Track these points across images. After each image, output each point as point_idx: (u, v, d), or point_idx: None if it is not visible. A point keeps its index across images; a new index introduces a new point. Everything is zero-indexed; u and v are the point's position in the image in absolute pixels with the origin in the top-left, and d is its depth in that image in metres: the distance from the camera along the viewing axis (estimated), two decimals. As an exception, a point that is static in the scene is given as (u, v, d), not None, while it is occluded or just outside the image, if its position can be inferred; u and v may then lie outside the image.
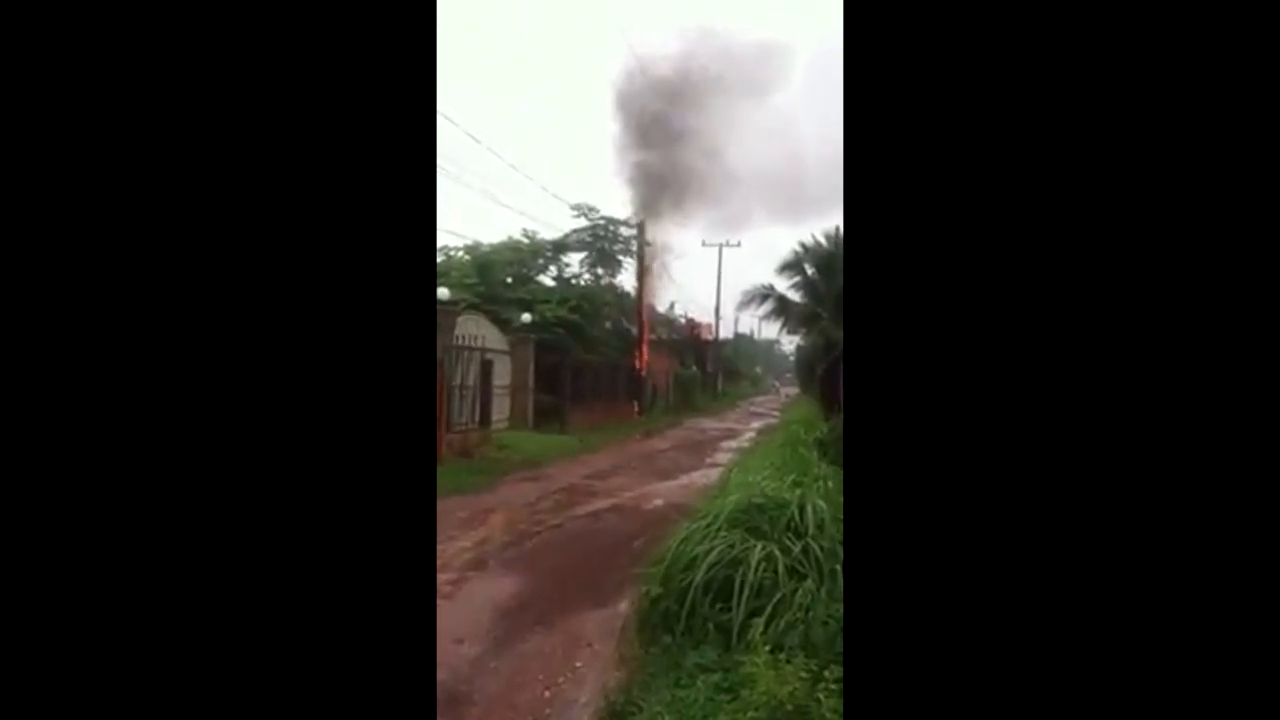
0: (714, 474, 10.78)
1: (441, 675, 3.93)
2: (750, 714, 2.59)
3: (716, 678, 3.33)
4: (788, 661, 2.84)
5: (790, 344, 23.93)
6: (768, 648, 2.97)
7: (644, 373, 22.73)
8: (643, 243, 23.26)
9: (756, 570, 3.96)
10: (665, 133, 23.52)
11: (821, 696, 2.46)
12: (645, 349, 22.95)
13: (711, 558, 4.17)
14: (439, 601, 5.22)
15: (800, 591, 3.72)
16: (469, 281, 17.42)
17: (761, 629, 3.29)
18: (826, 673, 2.66)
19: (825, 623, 3.37)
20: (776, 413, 23.93)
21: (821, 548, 4.12)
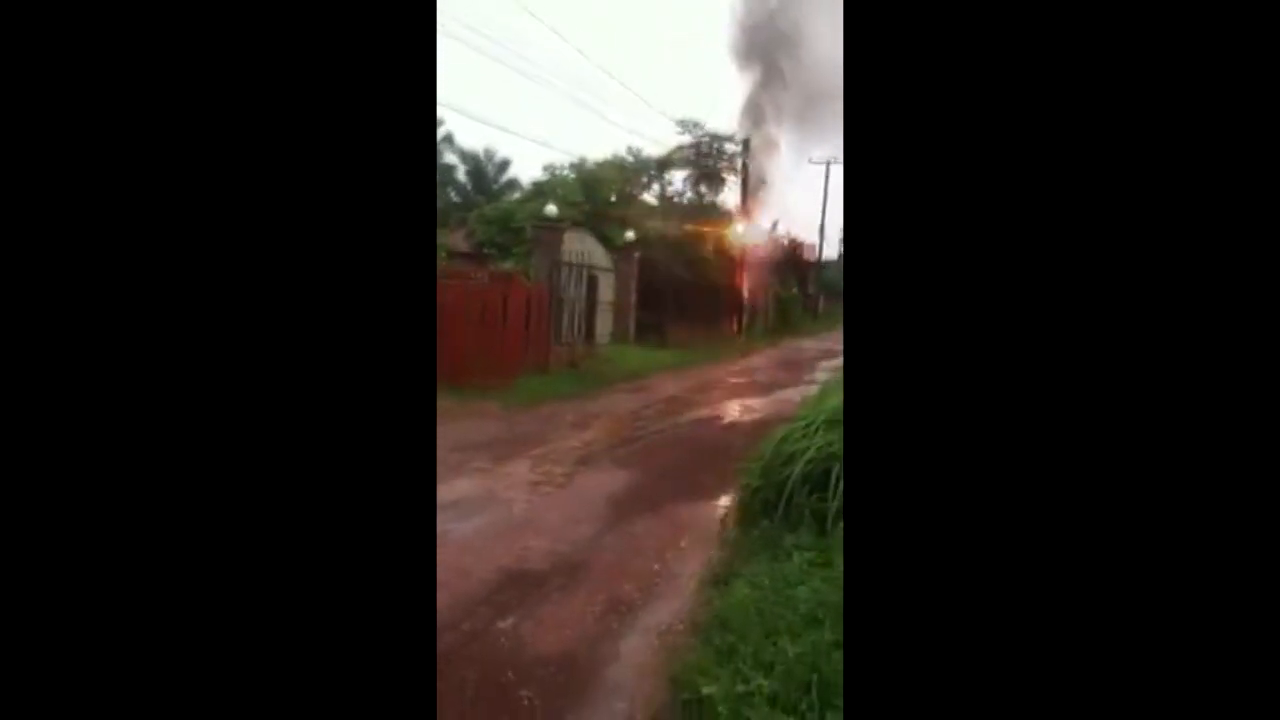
0: (810, 390, 10.97)
1: (561, 548, 4.44)
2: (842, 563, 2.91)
3: (811, 554, 3.67)
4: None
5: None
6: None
7: (744, 292, 22.78)
8: (747, 160, 23.01)
9: (852, 466, 4.23)
10: (777, 44, 22.90)
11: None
12: (747, 267, 22.94)
13: (809, 454, 4.46)
14: (554, 490, 5.75)
15: (893, 485, 3.98)
16: (574, 199, 17.75)
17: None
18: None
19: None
20: (878, 335, 23.56)
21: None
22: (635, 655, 3.16)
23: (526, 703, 2.75)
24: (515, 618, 3.45)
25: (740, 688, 2.41)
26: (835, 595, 2.91)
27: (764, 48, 23.33)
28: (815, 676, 2.40)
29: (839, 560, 3.19)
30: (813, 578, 3.30)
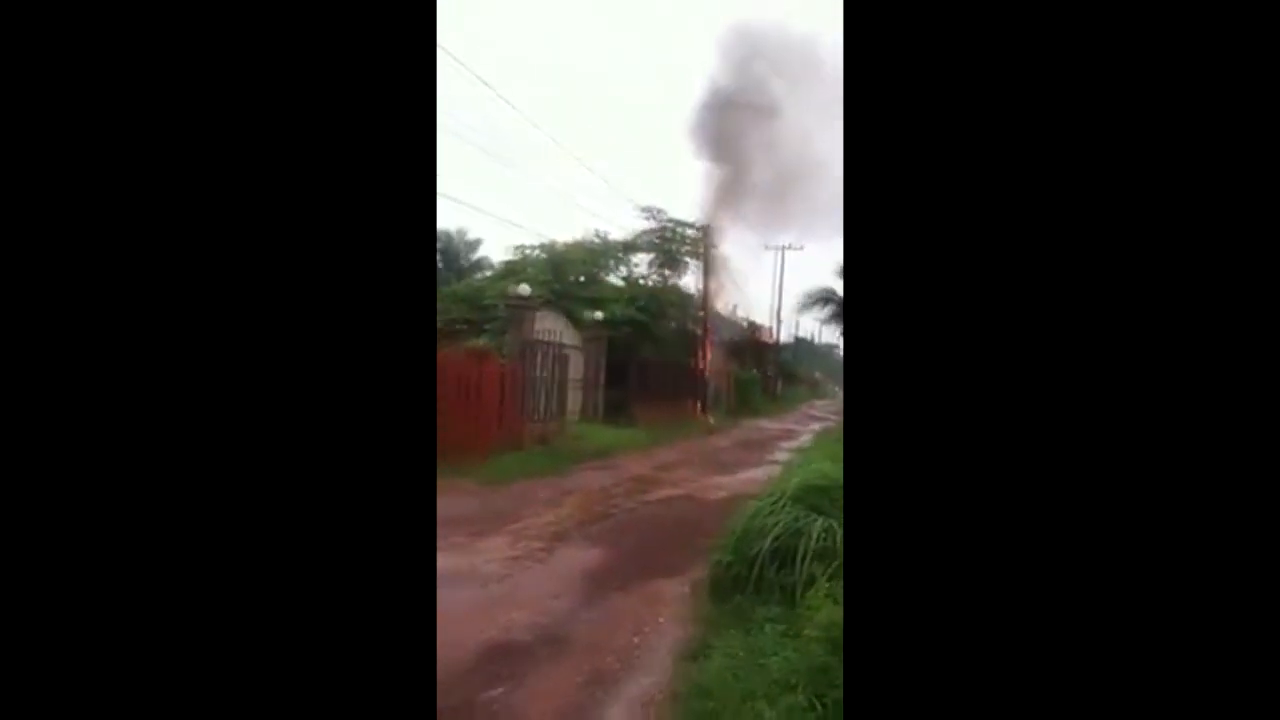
0: (773, 470, 11.29)
1: (544, 622, 4.63)
2: (812, 633, 3.19)
3: (782, 627, 3.94)
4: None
5: (850, 349, 23.91)
6: (825, 595, 3.57)
7: (706, 373, 23.29)
8: (707, 246, 23.85)
9: (818, 539, 4.54)
10: (737, 135, 24.08)
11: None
12: (708, 350, 23.51)
13: (777, 530, 4.76)
14: (533, 565, 5.94)
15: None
16: (544, 279, 18.23)
17: (823, 581, 3.88)
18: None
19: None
20: (835, 417, 24.24)
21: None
22: (620, 723, 3.37)
23: (523, 764, 2.95)
24: (504, 688, 3.64)
25: (723, 745, 2.66)
26: (805, 662, 3.18)
27: (724, 138, 24.52)
28: (791, 734, 2.66)
29: (808, 629, 3.47)
30: (784, 648, 3.57)
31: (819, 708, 2.87)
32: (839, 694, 2.94)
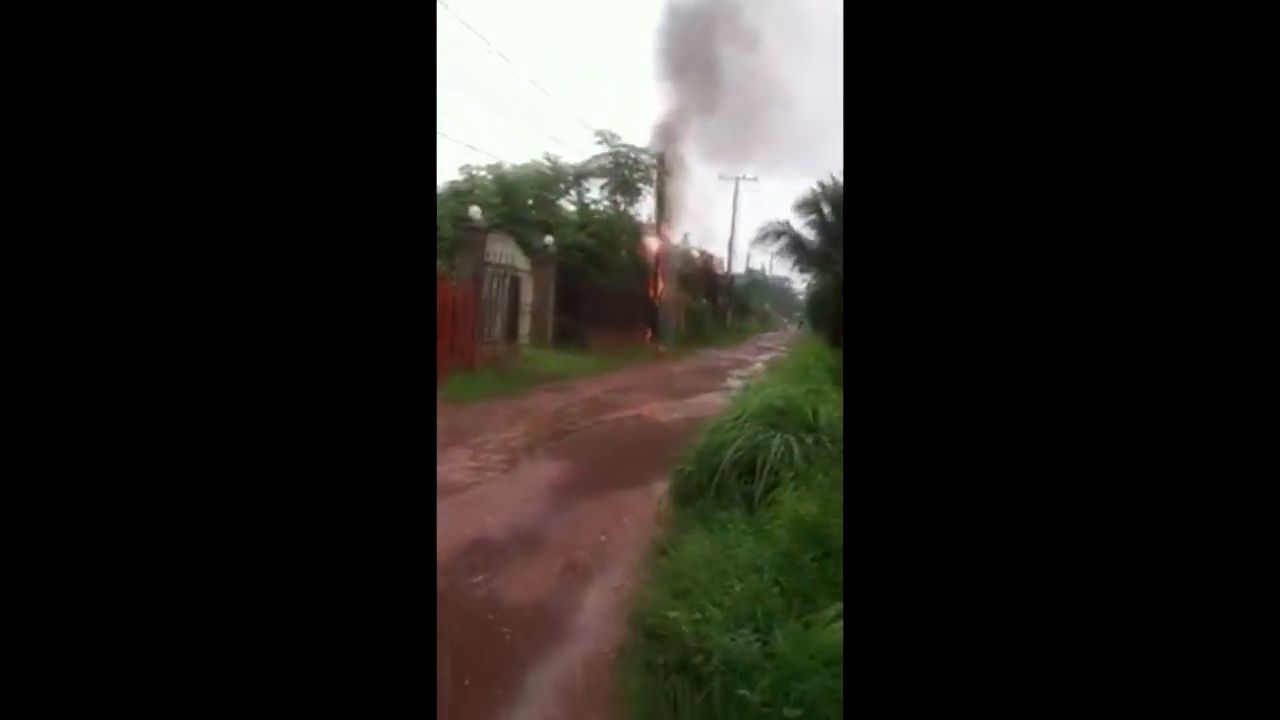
0: (727, 396, 11.62)
1: (518, 522, 4.87)
2: (776, 524, 3.47)
3: (744, 526, 4.23)
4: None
5: (801, 283, 24.22)
6: (791, 492, 3.85)
7: (658, 302, 23.49)
8: (662, 173, 23.77)
9: (776, 454, 4.83)
10: (697, 64, 23.82)
11: (833, 519, 3.33)
12: (660, 278, 23.66)
13: (738, 443, 5.04)
14: (497, 475, 6.15)
15: (812, 469, 4.60)
16: (493, 202, 18.00)
17: (787, 485, 4.16)
18: (836, 495, 3.50)
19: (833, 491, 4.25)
20: (784, 348, 24.76)
21: (831, 440, 5.00)
22: (596, 605, 3.64)
23: (508, 638, 3.20)
24: (486, 576, 3.87)
25: (697, 615, 2.93)
26: (771, 550, 3.47)
27: (684, 66, 24.26)
28: (760, 607, 2.94)
29: (771, 528, 3.75)
30: (748, 540, 3.86)
31: (784, 590, 3.15)
32: (800, 579, 3.24)
